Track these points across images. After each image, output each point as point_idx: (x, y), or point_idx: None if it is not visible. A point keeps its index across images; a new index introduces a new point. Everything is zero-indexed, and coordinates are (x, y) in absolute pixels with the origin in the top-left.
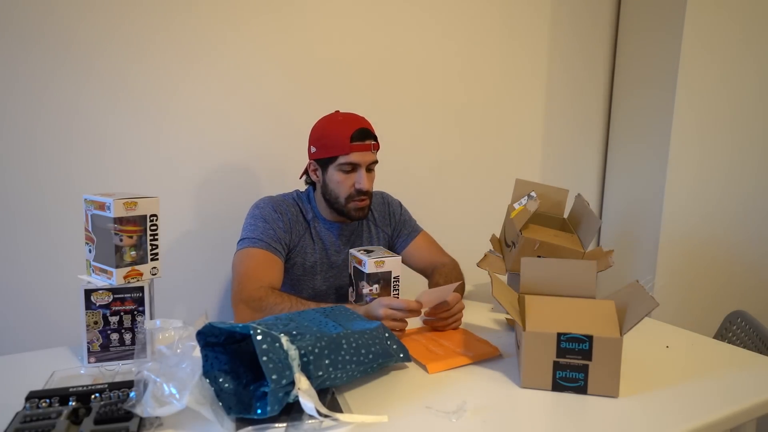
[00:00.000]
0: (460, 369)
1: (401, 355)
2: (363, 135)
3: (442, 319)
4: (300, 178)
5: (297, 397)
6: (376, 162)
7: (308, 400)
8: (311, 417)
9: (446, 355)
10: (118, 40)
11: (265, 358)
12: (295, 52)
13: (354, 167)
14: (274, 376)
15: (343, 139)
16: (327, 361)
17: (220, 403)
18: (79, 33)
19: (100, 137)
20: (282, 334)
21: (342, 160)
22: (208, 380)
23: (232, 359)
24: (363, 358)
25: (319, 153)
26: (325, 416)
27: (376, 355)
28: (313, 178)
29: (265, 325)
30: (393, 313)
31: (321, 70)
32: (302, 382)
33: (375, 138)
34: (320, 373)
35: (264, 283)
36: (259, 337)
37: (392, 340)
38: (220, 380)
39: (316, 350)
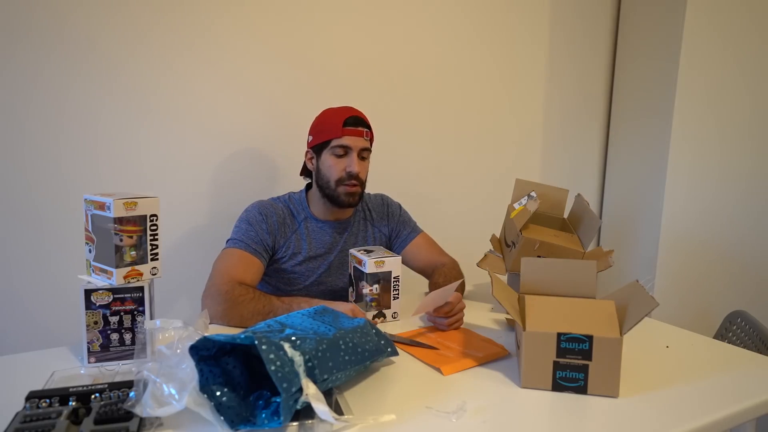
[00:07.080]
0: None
1: (389, 350)
2: (356, 122)
3: (444, 319)
4: (300, 174)
5: (305, 403)
6: (369, 150)
7: (321, 405)
8: (321, 420)
9: (456, 357)
10: (117, 39)
11: (273, 368)
12: (297, 52)
13: (346, 151)
14: (284, 385)
15: (337, 123)
16: (330, 364)
17: (222, 417)
18: (78, 31)
19: (100, 137)
20: (281, 341)
21: (335, 143)
22: (206, 395)
23: (225, 371)
24: (359, 356)
25: (314, 140)
26: (337, 419)
27: (371, 352)
28: (309, 166)
29: (262, 333)
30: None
31: (322, 70)
32: (310, 388)
33: (368, 127)
34: (325, 377)
35: (234, 279)
36: (264, 347)
37: (380, 335)
38: (218, 394)
39: (319, 354)
